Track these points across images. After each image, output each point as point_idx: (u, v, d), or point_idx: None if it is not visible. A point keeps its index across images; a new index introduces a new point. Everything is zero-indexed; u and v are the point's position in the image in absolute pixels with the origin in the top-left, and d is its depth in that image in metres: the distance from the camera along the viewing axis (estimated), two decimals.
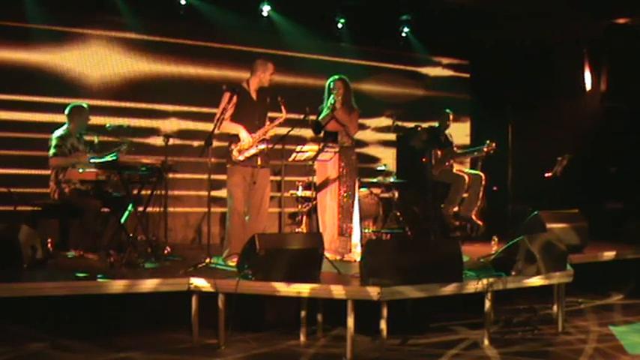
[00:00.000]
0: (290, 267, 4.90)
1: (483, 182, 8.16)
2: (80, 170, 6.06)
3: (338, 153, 6.52)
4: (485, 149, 7.80)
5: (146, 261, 5.85)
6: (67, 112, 6.61)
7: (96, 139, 6.67)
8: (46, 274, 5.18)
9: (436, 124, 8.48)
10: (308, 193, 7.55)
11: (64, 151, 6.44)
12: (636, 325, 5.68)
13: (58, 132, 6.53)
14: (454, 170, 8.11)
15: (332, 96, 6.40)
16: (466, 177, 8.03)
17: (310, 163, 7.49)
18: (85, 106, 6.71)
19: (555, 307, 5.60)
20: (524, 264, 5.24)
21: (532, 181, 8.02)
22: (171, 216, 7.42)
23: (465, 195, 8.08)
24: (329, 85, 6.52)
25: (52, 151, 6.43)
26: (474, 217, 8.11)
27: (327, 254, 6.24)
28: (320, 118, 6.48)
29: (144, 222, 6.17)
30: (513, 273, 5.21)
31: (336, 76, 6.55)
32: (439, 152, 7.88)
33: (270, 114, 6.38)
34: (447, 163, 8.16)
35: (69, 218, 6.69)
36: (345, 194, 6.50)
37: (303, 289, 4.83)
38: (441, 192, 8.01)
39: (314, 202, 7.50)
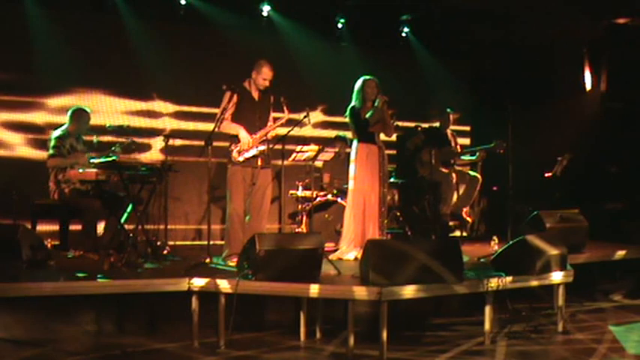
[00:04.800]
0: (290, 267, 4.90)
1: (479, 186, 8.21)
2: (80, 170, 6.08)
3: (379, 152, 6.48)
4: (496, 150, 7.79)
5: (146, 261, 5.85)
6: (69, 114, 6.67)
7: (95, 139, 6.70)
8: (46, 274, 5.18)
9: (437, 124, 8.51)
10: (308, 193, 7.55)
11: (62, 151, 6.47)
12: (636, 325, 5.68)
13: (57, 132, 6.58)
14: (444, 169, 8.14)
15: (377, 99, 6.35)
16: (454, 175, 8.09)
17: (310, 163, 7.52)
18: (87, 110, 6.76)
19: (555, 308, 5.60)
20: (526, 264, 5.25)
21: (532, 181, 8.02)
22: (172, 216, 7.42)
23: (460, 193, 8.15)
24: (363, 85, 6.46)
25: (50, 151, 6.47)
26: (464, 214, 8.18)
27: (353, 252, 6.28)
28: (368, 116, 6.37)
29: (144, 222, 6.17)
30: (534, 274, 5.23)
31: (369, 77, 6.50)
32: (434, 152, 7.87)
33: (272, 114, 6.38)
34: (451, 162, 8.20)
35: (69, 218, 6.71)
36: (384, 193, 6.50)
37: (304, 289, 4.83)
38: (440, 192, 8.04)
39: (319, 201, 7.50)
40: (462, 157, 8.42)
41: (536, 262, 5.25)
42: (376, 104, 6.36)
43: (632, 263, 7.03)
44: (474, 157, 8.32)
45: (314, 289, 4.78)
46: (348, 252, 6.34)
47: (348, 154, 6.76)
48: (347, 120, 6.60)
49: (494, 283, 5.04)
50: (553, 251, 5.45)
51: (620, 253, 6.88)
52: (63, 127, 6.63)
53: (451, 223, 8.38)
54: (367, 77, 6.51)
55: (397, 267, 4.69)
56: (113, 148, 6.40)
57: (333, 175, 8.07)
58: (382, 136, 6.67)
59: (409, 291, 4.72)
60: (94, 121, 7.54)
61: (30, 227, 6.27)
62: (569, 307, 5.95)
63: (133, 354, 4.72)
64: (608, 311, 6.25)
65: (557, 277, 5.48)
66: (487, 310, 5.04)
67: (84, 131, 6.72)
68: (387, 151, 6.67)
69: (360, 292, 4.64)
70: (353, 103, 6.52)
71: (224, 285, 4.87)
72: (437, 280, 4.81)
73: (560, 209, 6.80)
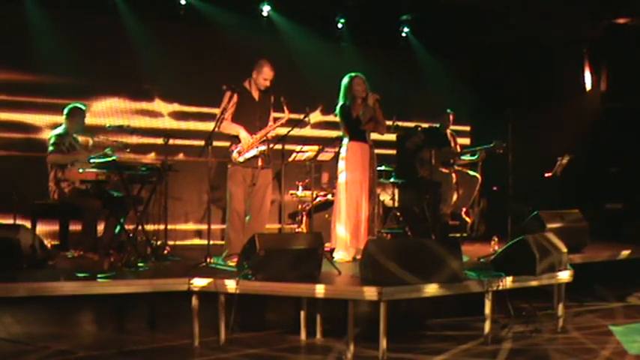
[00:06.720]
0: (290, 267, 4.90)
1: (478, 185, 8.22)
2: (80, 170, 6.09)
3: (370, 151, 6.47)
4: (496, 150, 7.81)
5: (146, 261, 5.85)
6: (65, 112, 6.67)
7: (91, 141, 6.72)
8: (46, 274, 5.18)
9: (437, 124, 8.52)
10: (308, 193, 7.55)
11: (61, 149, 6.49)
12: (636, 326, 5.67)
13: (56, 131, 6.63)
14: (444, 170, 8.15)
15: (369, 97, 6.33)
16: (454, 175, 8.10)
17: (309, 163, 7.52)
18: (82, 107, 6.76)
19: (555, 307, 5.60)
20: (526, 264, 5.25)
21: (532, 181, 8.02)
22: (172, 216, 7.41)
23: (460, 193, 8.17)
24: (350, 82, 6.43)
25: (50, 148, 6.49)
26: (462, 214, 8.20)
27: (344, 254, 6.27)
28: (361, 113, 6.35)
29: (144, 222, 6.17)
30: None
31: (355, 73, 6.47)
32: (434, 152, 7.86)
33: (272, 114, 6.38)
34: (451, 162, 8.22)
35: (69, 218, 6.71)
36: (375, 191, 6.50)
37: (304, 289, 4.83)
38: (440, 192, 8.05)
39: (319, 201, 7.50)
40: (464, 158, 8.43)
41: (536, 262, 5.24)
42: (368, 102, 6.36)
43: (634, 263, 7.03)
44: (474, 157, 8.33)
45: (314, 289, 4.78)
46: (344, 252, 6.33)
47: None
48: (337, 118, 6.59)
49: (494, 283, 5.04)
50: (553, 251, 5.45)
51: (625, 253, 6.89)
52: (61, 127, 6.66)
53: (451, 223, 8.39)
54: (354, 74, 6.48)
55: (397, 267, 4.68)
56: (106, 151, 6.41)
57: (332, 175, 8.06)
58: (378, 136, 6.67)
59: (409, 291, 4.72)
60: (95, 121, 7.56)
61: (30, 227, 6.27)
62: (569, 308, 5.95)
63: (133, 353, 4.72)
64: (609, 311, 6.25)
65: (557, 277, 5.48)
66: (487, 310, 5.04)
67: (80, 129, 6.73)
68: (387, 151, 6.67)
69: (360, 292, 4.64)
70: (342, 101, 6.50)
71: (224, 285, 4.86)
72: (437, 280, 4.80)
73: (560, 209, 6.80)
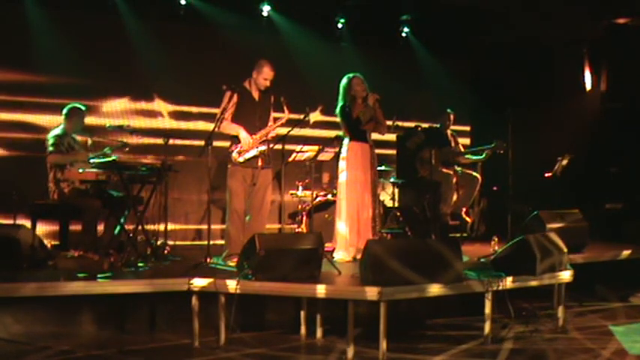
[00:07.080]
0: (290, 267, 4.90)
1: (478, 186, 8.22)
2: (80, 170, 6.09)
3: (370, 151, 6.47)
4: (496, 150, 7.82)
5: (146, 261, 5.85)
6: (64, 112, 6.67)
7: (89, 141, 6.72)
8: (46, 274, 5.18)
9: (437, 124, 8.52)
10: (308, 193, 7.55)
11: (61, 149, 6.49)
12: (637, 326, 5.67)
13: (55, 131, 6.61)
14: (444, 170, 8.15)
15: (369, 96, 6.35)
16: (454, 176, 8.10)
17: (308, 163, 7.52)
18: (82, 107, 6.76)
19: (555, 307, 5.60)
20: (526, 264, 5.25)
21: (532, 181, 8.02)
22: (172, 216, 7.41)
23: (460, 193, 8.18)
24: (349, 82, 6.44)
25: (49, 148, 6.48)
26: (462, 214, 8.21)
27: (344, 254, 6.27)
28: (361, 114, 6.36)
29: (144, 222, 6.17)
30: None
31: (352, 74, 6.48)
32: (434, 152, 7.87)
33: (272, 114, 6.38)
34: (451, 162, 8.23)
35: (69, 218, 6.71)
36: (376, 191, 6.50)
37: (304, 289, 4.83)
38: (440, 192, 8.05)
39: (319, 201, 7.50)
40: (469, 157, 8.42)
41: (536, 262, 5.24)
42: (368, 102, 6.36)
43: (634, 263, 7.02)
44: (481, 157, 8.32)
45: (314, 290, 4.78)
46: (344, 252, 6.32)
47: None
48: (338, 119, 6.59)
49: (494, 283, 5.04)
50: (554, 251, 5.45)
51: (625, 253, 6.89)
52: (60, 127, 6.65)
53: (451, 223, 8.39)
54: (352, 75, 6.50)
55: (397, 267, 4.68)
56: (105, 151, 6.42)
57: (333, 175, 8.07)
58: (378, 136, 6.67)
59: (409, 291, 4.72)
60: (95, 121, 7.54)
61: (30, 227, 6.27)
62: (570, 308, 5.95)
63: (133, 352, 4.72)
64: (609, 312, 6.25)
65: (557, 277, 5.48)
66: (487, 310, 5.04)
67: (79, 129, 6.73)
68: (387, 151, 6.67)
69: (360, 292, 4.64)
70: (342, 102, 6.51)
71: (224, 285, 4.86)
72: (437, 280, 4.80)
73: (560, 209, 6.80)
